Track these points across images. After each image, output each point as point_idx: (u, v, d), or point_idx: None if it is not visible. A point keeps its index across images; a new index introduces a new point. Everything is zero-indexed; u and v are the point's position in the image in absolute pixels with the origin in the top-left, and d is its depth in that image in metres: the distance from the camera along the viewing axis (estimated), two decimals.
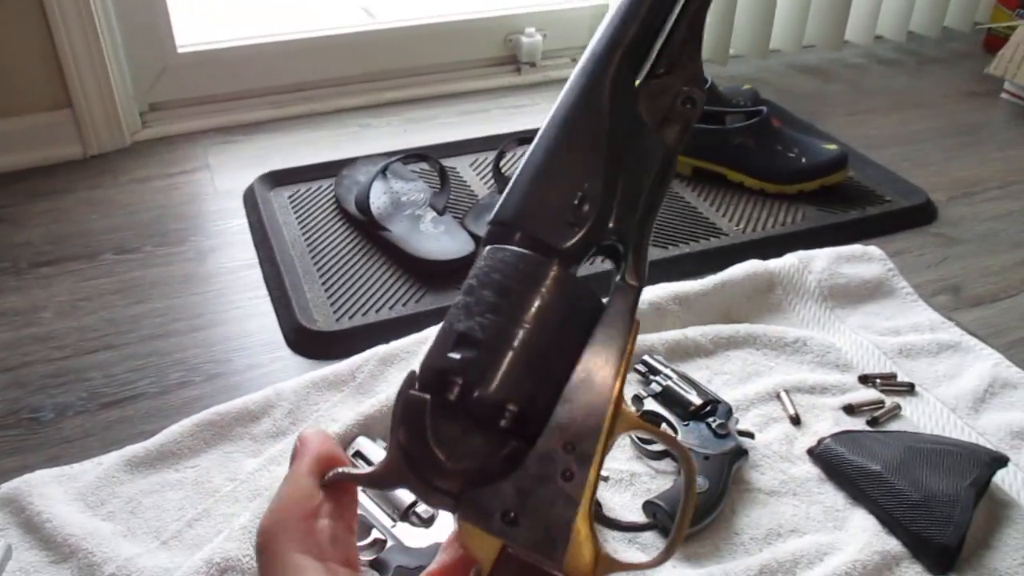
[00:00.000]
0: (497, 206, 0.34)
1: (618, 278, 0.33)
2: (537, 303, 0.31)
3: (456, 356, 0.30)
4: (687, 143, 0.34)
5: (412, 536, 0.75)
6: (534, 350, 0.31)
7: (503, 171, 1.36)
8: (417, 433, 0.30)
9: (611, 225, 0.33)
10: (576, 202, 0.33)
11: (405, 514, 0.77)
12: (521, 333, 0.31)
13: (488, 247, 0.33)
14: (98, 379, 1.00)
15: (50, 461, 0.88)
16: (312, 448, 0.37)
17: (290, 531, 0.34)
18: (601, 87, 0.34)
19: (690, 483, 0.33)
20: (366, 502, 0.79)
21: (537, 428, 0.30)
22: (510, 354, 0.30)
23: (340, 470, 0.36)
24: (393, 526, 0.76)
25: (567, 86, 0.36)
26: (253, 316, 1.10)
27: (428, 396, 0.31)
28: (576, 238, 0.32)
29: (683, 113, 0.34)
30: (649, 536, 0.80)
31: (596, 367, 0.31)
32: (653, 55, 0.34)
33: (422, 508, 0.76)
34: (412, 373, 0.32)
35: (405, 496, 0.76)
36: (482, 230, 1.21)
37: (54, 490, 0.83)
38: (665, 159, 0.34)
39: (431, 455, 0.30)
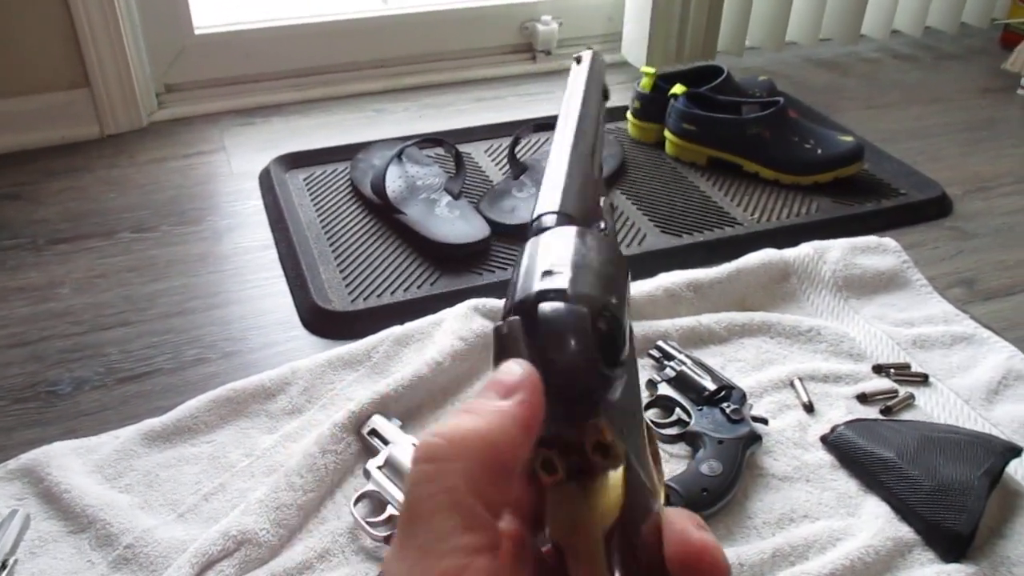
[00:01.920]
0: (540, 202, 0.35)
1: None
2: (603, 249, 0.32)
3: (546, 284, 0.29)
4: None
5: None
6: (608, 274, 0.31)
7: (518, 157, 1.36)
8: (578, 344, 0.28)
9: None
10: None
11: None
12: (595, 262, 0.31)
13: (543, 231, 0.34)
14: (115, 354, 1.01)
15: (67, 434, 0.89)
16: (534, 392, 0.28)
17: (471, 469, 0.26)
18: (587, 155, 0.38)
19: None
20: (382, 479, 0.80)
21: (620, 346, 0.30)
22: (592, 272, 0.31)
23: None
24: None
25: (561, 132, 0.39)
26: (269, 296, 1.11)
27: (580, 307, 0.29)
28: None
29: (610, 210, 0.38)
30: None
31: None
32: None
33: None
34: (502, 321, 0.30)
35: None
36: (497, 215, 1.23)
37: (72, 462, 0.84)
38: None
39: (591, 363, 0.29)
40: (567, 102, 0.40)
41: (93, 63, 1.42)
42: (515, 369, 0.28)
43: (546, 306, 0.29)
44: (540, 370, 0.28)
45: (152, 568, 0.75)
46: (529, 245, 0.33)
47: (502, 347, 0.29)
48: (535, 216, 0.34)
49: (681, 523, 0.29)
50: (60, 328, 1.05)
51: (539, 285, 0.29)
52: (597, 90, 0.42)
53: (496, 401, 0.28)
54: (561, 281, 0.29)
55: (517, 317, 0.29)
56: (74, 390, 0.96)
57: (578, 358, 0.28)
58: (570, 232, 0.32)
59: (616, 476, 0.28)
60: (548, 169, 0.36)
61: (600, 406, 0.28)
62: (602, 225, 0.36)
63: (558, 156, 0.37)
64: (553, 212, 0.34)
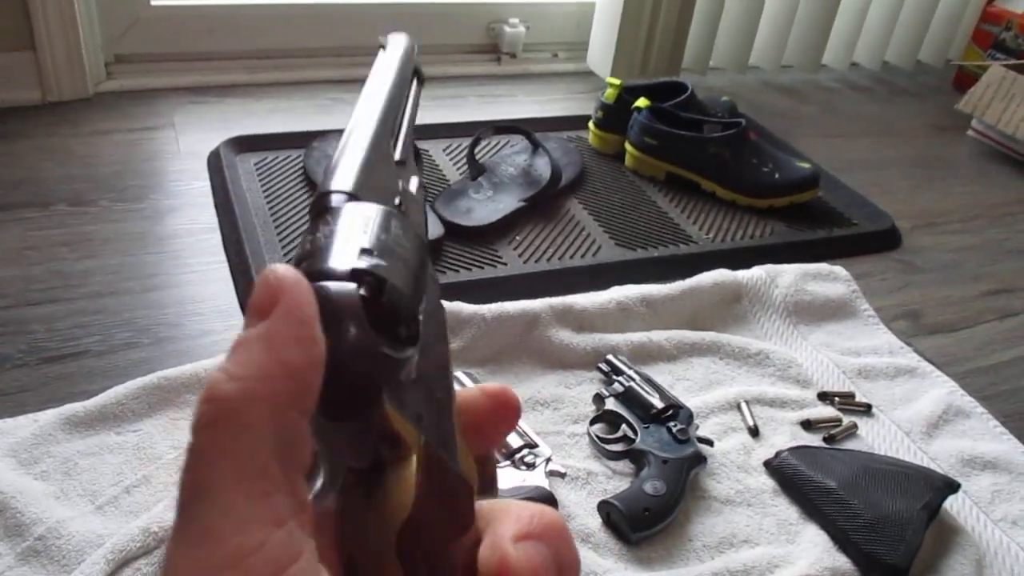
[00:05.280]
0: (326, 178, 0.33)
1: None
2: (390, 224, 0.30)
3: (364, 263, 0.27)
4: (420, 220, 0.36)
5: (508, 478, 0.79)
6: (417, 271, 0.30)
7: (477, 158, 1.34)
8: (349, 326, 0.26)
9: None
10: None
11: (511, 456, 0.82)
12: (407, 255, 0.30)
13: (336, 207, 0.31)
14: (40, 332, 0.95)
15: None
16: (308, 305, 0.24)
17: (252, 423, 0.22)
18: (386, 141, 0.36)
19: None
20: None
21: (421, 345, 0.29)
22: (406, 268, 0.29)
23: None
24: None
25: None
26: (209, 282, 1.07)
27: (356, 288, 0.27)
28: None
29: (413, 198, 0.36)
30: (603, 536, 0.78)
31: (432, 302, 0.31)
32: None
33: (528, 455, 0.82)
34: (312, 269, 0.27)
35: (512, 440, 0.83)
36: (452, 215, 1.20)
37: None
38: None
39: (365, 346, 0.26)
40: (372, 82, 0.37)
41: (40, 25, 1.35)
42: (267, 276, 0.24)
43: (317, 287, 0.26)
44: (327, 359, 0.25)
45: (64, 562, 0.70)
46: (313, 224, 0.30)
47: None
48: (322, 192, 0.31)
49: (503, 529, 0.26)
50: None
51: (314, 265, 0.27)
52: (407, 74, 0.39)
53: (254, 329, 0.23)
54: (335, 259, 0.27)
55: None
56: None
57: (351, 341, 0.25)
58: (354, 209, 0.30)
59: (410, 467, 0.27)
60: (344, 148, 0.34)
61: (383, 392, 0.26)
62: (397, 201, 0.33)
63: (357, 135, 0.34)
64: (343, 192, 0.31)
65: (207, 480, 0.21)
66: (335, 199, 0.31)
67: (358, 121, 0.35)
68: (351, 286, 0.26)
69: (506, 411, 0.32)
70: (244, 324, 0.24)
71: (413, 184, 0.36)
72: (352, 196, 0.31)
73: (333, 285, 0.26)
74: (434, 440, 0.27)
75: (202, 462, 0.21)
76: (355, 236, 0.29)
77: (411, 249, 0.30)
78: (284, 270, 0.24)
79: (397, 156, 0.36)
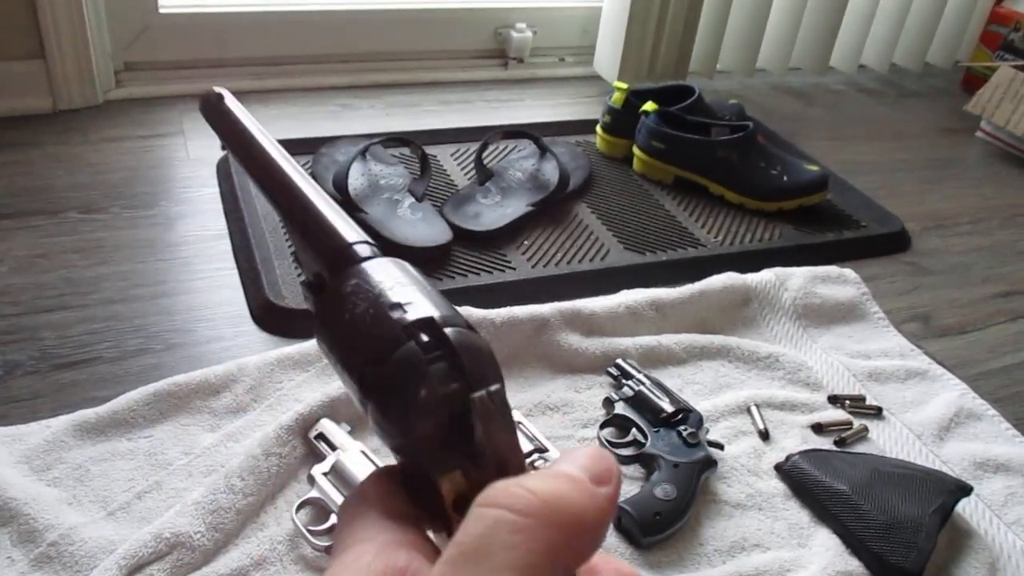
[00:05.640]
0: (342, 233, 0.33)
1: None
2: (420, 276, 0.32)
3: (403, 313, 0.29)
4: None
5: None
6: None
7: (485, 163, 1.34)
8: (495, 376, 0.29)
9: None
10: None
11: None
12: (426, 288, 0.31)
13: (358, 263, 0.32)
14: (51, 339, 0.96)
15: None
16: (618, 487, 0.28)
17: (556, 545, 0.25)
18: None
19: None
20: (327, 486, 0.77)
21: None
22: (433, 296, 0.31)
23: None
24: None
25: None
26: (219, 288, 1.07)
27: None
28: None
29: None
30: (613, 540, 0.78)
31: None
32: None
33: (538, 460, 0.81)
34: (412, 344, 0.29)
35: (523, 445, 0.81)
36: (460, 220, 1.20)
37: None
38: None
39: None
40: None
41: (50, 34, 1.36)
42: (610, 458, 0.27)
43: (454, 332, 0.28)
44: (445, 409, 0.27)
45: (76, 568, 0.71)
46: (382, 269, 0.31)
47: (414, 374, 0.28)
48: (342, 244, 0.32)
49: None
50: None
51: (427, 313, 0.29)
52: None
53: (597, 488, 0.26)
54: (421, 310, 0.29)
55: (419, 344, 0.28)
56: (5, 374, 0.91)
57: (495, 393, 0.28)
58: (391, 263, 0.32)
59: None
60: (315, 209, 0.33)
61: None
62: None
63: (317, 199, 0.34)
64: (361, 242, 0.32)
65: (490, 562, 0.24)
66: (363, 248, 0.32)
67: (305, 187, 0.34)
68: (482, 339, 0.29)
69: None
70: (568, 471, 0.26)
71: None
72: (367, 243, 0.32)
73: (473, 335, 0.29)
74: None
75: (489, 550, 0.24)
76: (427, 289, 0.31)
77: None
78: (614, 461, 0.27)
79: None
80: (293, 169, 0.34)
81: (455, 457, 0.28)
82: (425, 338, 0.28)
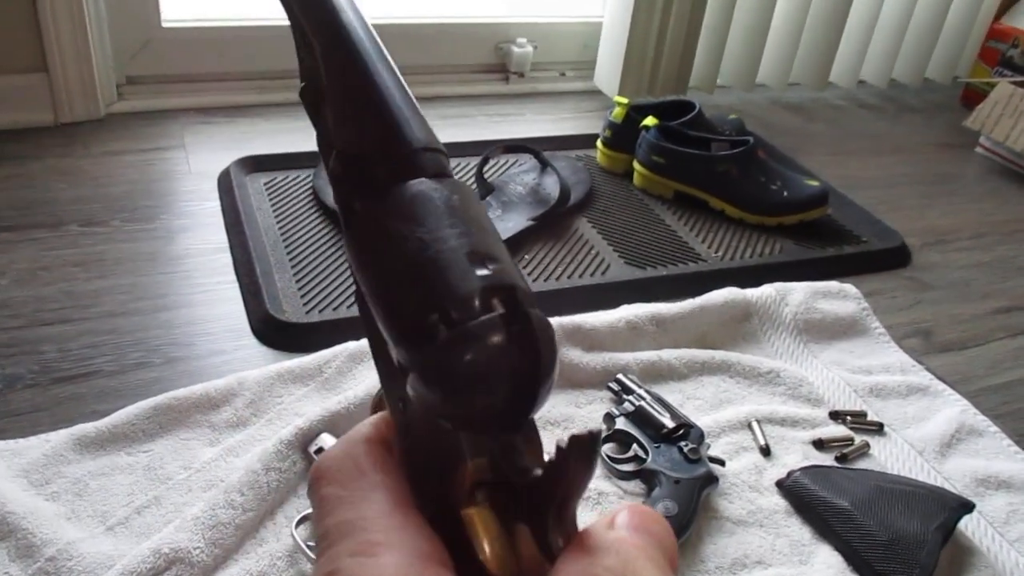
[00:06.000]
0: (415, 132, 0.28)
1: None
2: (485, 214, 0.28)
3: (486, 272, 0.25)
4: None
5: None
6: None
7: (486, 177, 1.34)
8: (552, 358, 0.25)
9: None
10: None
11: None
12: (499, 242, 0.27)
13: (439, 178, 0.27)
14: (52, 353, 0.96)
15: None
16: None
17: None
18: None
19: None
20: None
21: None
22: (511, 262, 0.27)
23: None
24: None
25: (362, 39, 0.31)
26: (220, 301, 1.07)
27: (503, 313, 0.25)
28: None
29: None
30: None
31: None
32: None
33: None
34: (442, 315, 0.24)
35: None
36: None
37: None
38: None
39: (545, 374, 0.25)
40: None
41: (53, 47, 1.37)
42: (666, 523, 0.27)
43: (535, 314, 0.24)
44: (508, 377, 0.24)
45: None
46: (451, 188, 0.26)
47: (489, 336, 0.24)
48: (418, 146, 0.27)
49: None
50: None
51: (506, 280, 0.25)
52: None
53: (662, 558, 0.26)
54: (508, 275, 0.25)
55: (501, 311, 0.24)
56: (5, 388, 0.90)
57: (550, 372, 0.25)
58: (469, 192, 0.27)
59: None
60: (381, 91, 0.28)
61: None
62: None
63: (386, 75, 0.29)
64: (436, 150, 0.28)
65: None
66: (432, 159, 0.27)
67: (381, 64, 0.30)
68: (547, 321, 0.25)
69: None
70: (637, 527, 0.26)
71: None
72: (438, 151, 0.28)
73: (542, 317, 0.25)
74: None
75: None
76: (496, 243, 0.26)
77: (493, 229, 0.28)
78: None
79: None
80: (370, 41, 0.30)
81: (491, 443, 0.25)
82: (501, 309, 0.24)
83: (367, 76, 0.29)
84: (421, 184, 0.26)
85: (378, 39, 0.31)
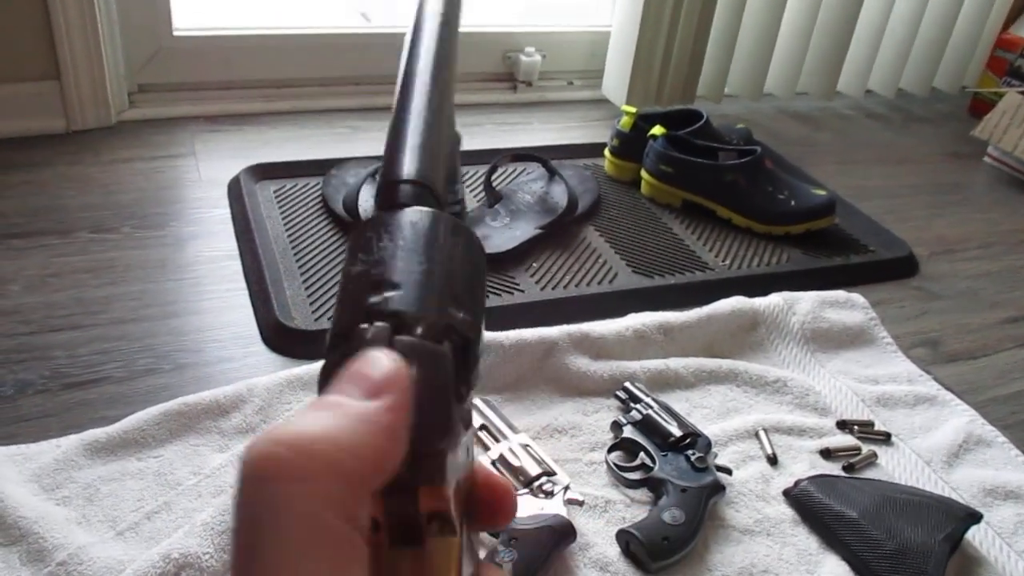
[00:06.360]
0: (400, 164, 0.30)
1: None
2: (450, 246, 0.28)
3: (377, 298, 0.25)
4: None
5: (526, 506, 0.79)
6: (461, 284, 0.27)
7: (494, 186, 1.35)
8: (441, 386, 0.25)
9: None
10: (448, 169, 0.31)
11: (529, 484, 0.82)
12: (445, 272, 0.27)
13: (396, 209, 0.29)
14: (62, 358, 0.96)
15: (5, 440, 0.84)
16: (404, 394, 0.23)
17: (326, 491, 0.21)
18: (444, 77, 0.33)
19: None
20: None
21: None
22: (440, 283, 0.27)
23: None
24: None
25: (414, 57, 0.33)
26: (229, 308, 1.07)
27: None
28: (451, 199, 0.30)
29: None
30: (621, 565, 0.78)
31: None
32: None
33: (546, 483, 0.82)
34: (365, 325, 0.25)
35: (531, 468, 0.83)
36: None
37: (8, 469, 0.80)
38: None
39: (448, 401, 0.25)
40: (416, 32, 0.33)
41: (65, 56, 1.38)
42: (384, 362, 0.23)
43: (407, 341, 0.24)
44: None
45: None
46: (383, 223, 0.27)
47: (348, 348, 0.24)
48: (391, 179, 0.29)
49: None
50: (7, 327, 1.00)
51: (377, 301, 0.25)
52: (454, 21, 0.35)
53: (360, 401, 0.22)
54: (399, 302, 0.25)
55: (384, 324, 0.25)
56: (16, 393, 0.91)
57: (435, 407, 0.24)
58: (426, 221, 0.27)
59: (445, 546, 0.25)
60: (403, 120, 0.30)
61: (446, 466, 0.24)
62: (458, 196, 0.32)
63: (418, 104, 0.31)
64: (412, 182, 0.28)
65: (275, 528, 0.20)
66: (405, 190, 0.28)
67: (421, 86, 0.32)
68: (440, 349, 0.25)
69: (498, 511, 0.29)
70: (342, 388, 0.23)
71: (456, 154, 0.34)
72: (425, 189, 0.29)
73: (430, 347, 0.25)
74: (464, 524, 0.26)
75: (265, 518, 0.21)
76: (439, 282, 0.26)
77: (473, 271, 0.28)
78: (401, 363, 0.24)
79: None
80: (433, 68, 0.32)
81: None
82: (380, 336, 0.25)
83: (398, 108, 0.31)
84: (381, 215, 0.28)
85: (441, 65, 0.32)
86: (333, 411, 0.22)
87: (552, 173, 1.38)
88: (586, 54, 1.86)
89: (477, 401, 0.90)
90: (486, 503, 0.28)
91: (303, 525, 0.20)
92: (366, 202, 1.25)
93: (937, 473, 0.93)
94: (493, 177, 1.35)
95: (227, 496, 0.78)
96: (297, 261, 1.16)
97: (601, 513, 0.83)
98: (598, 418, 0.95)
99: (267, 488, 0.21)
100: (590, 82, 1.87)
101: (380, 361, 0.23)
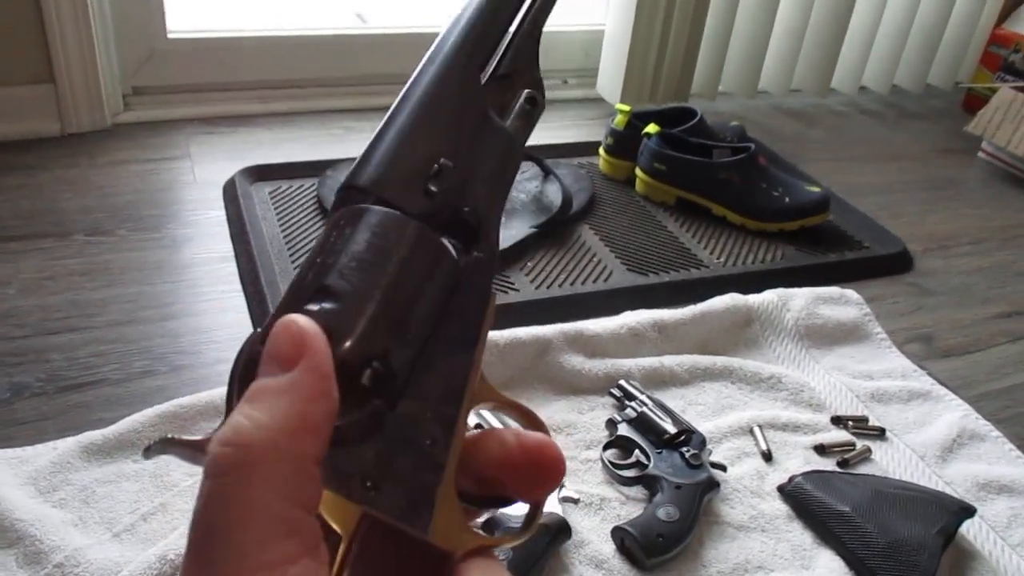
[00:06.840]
0: (351, 171, 0.32)
1: (475, 253, 0.32)
2: (401, 259, 0.29)
3: (315, 307, 0.27)
4: (529, 135, 0.35)
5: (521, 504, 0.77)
6: (399, 308, 0.28)
7: None
8: None
9: (465, 200, 0.32)
10: (432, 174, 0.32)
11: None
12: (385, 288, 0.28)
13: (343, 209, 0.31)
14: (58, 361, 0.97)
15: (2, 442, 0.84)
16: (318, 350, 0.24)
17: (275, 472, 0.22)
18: (459, 72, 0.34)
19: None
20: None
21: (398, 390, 0.28)
22: (374, 308, 0.28)
23: (171, 436, 0.27)
24: None
25: (423, 65, 0.36)
26: (225, 310, 1.08)
27: None
28: (430, 207, 0.31)
29: (527, 111, 0.35)
30: (616, 562, 0.78)
31: (456, 334, 0.30)
32: (496, 57, 0.35)
33: None
34: (256, 332, 0.28)
35: None
36: None
37: (4, 472, 0.80)
38: (512, 147, 0.34)
39: None
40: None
41: (59, 59, 1.38)
42: (290, 327, 0.24)
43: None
44: None
45: None
46: (339, 222, 0.30)
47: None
48: (352, 183, 0.31)
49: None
50: (2, 330, 1.00)
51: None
52: None
53: (277, 379, 0.24)
54: (332, 317, 0.27)
55: None
56: (12, 396, 0.91)
57: None
58: (385, 227, 0.30)
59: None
60: (380, 133, 0.33)
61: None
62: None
63: (402, 116, 0.33)
64: (359, 188, 0.31)
65: (222, 524, 0.22)
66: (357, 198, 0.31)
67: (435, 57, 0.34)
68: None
69: (546, 471, 0.29)
70: (262, 371, 0.24)
71: (520, 98, 0.35)
72: (372, 195, 0.31)
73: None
74: (388, 508, 0.26)
75: (219, 505, 0.22)
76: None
77: (394, 275, 0.29)
78: (306, 323, 0.25)
79: (494, 72, 0.35)
80: (440, 78, 0.34)
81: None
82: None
83: (386, 119, 0.33)
84: (335, 217, 0.30)
85: (443, 77, 0.35)
86: (259, 398, 0.24)
87: (546, 172, 1.39)
88: (580, 53, 1.86)
89: (484, 413, 0.90)
90: (523, 472, 0.29)
91: (254, 520, 0.22)
92: None
93: (931, 468, 0.93)
94: None
95: None
96: (292, 262, 1.16)
97: (596, 510, 0.84)
98: (593, 416, 0.95)
99: (216, 488, 0.22)
100: (584, 81, 1.87)
101: (288, 329, 0.25)
